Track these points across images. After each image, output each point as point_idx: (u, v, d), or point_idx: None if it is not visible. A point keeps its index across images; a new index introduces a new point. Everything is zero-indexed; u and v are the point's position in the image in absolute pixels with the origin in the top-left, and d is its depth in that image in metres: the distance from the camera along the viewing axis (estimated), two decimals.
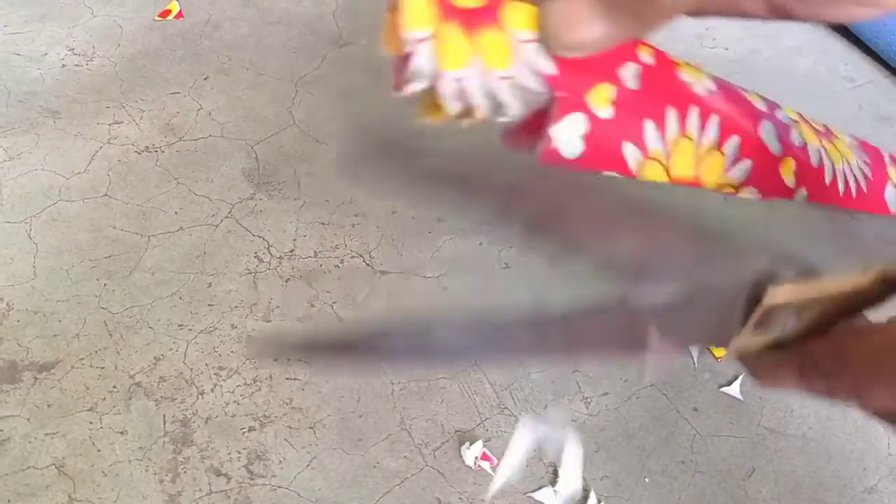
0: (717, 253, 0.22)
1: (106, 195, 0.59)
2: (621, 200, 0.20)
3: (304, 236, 0.58)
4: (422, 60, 0.19)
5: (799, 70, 0.76)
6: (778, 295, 0.22)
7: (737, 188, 0.24)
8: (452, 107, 0.19)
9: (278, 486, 0.47)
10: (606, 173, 0.21)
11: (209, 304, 0.54)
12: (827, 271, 0.23)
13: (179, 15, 0.73)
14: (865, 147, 0.30)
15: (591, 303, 0.22)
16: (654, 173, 0.22)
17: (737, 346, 0.25)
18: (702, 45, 0.75)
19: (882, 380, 0.21)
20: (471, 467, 0.48)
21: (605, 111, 0.21)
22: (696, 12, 0.19)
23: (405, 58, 0.18)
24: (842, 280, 0.23)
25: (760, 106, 0.25)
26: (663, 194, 0.21)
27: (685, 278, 0.22)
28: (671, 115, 0.22)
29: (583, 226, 0.20)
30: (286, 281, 0.56)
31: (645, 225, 0.20)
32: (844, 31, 0.78)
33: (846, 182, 0.28)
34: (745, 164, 0.24)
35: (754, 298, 0.23)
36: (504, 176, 0.19)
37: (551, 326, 0.22)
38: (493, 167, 0.19)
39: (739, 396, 0.53)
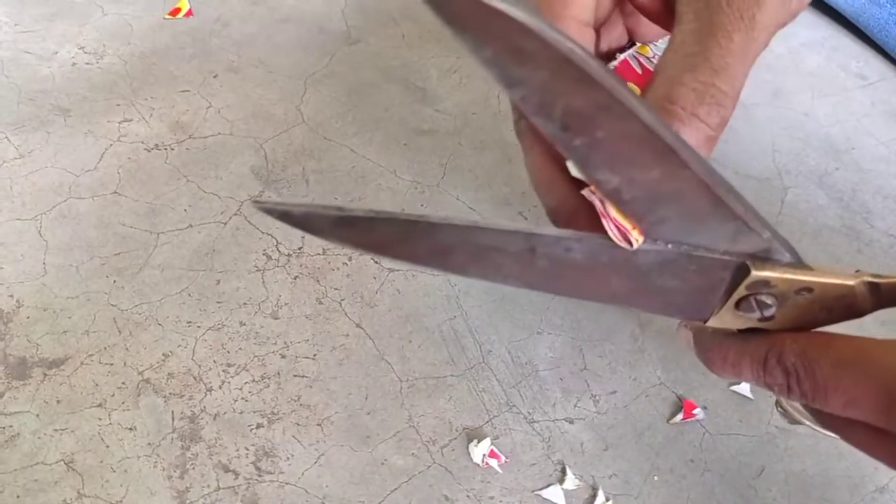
0: (725, 214, 0.22)
1: (115, 192, 0.59)
2: (652, 126, 0.19)
3: None
4: None
5: (810, 67, 0.75)
6: (768, 272, 0.22)
7: None
8: None
9: (286, 483, 0.47)
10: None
11: (218, 302, 0.54)
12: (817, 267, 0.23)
13: (189, 13, 0.73)
14: None
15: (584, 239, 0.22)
16: None
17: (711, 324, 0.25)
18: None
19: (837, 390, 0.22)
20: (478, 465, 0.48)
21: None
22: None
23: None
24: (831, 278, 0.23)
25: None
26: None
27: (685, 235, 0.22)
28: None
29: (610, 143, 0.19)
30: (294, 278, 0.56)
31: (667, 161, 0.20)
32: (857, 29, 0.78)
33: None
34: None
35: (742, 276, 0.23)
36: (559, 54, 0.17)
37: (543, 258, 0.22)
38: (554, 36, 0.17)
39: (749, 395, 0.52)
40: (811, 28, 0.79)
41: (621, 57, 0.30)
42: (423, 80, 0.69)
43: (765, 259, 0.22)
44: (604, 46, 0.30)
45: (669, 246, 0.22)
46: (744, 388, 0.52)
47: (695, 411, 0.51)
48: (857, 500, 0.49)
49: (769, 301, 0.22)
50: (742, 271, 0.22)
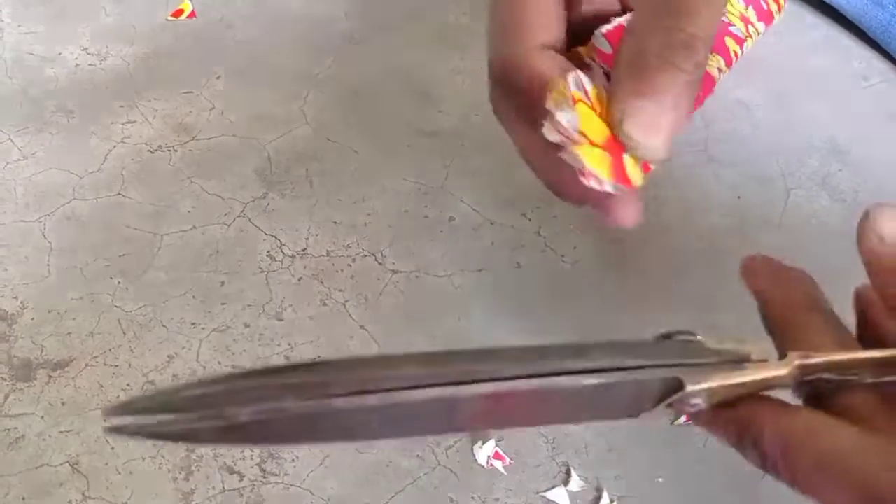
0: (640, 347, 0.23)
1: (119, 194, 0.59)
2: None
3: (317, 235, 0.58)
4: None
5: (812, 68, 0.75)
6: (703, 384, 0.22)
7: None
8: None
9: (291, 485, 0.47)
10: None
11: (222, 303, 0.54)
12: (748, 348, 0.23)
13: (192, 14, 0.73)
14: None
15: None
16: None
17: (640, 422, 0.25)
18: None
19: (818, 489, 0.21)
20: (483, 466, 0.48)
21: None
22: None
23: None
24: (763, 373, 0.23)
25: None
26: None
27: (613, 366, 0.22)
28: None
29: None
30: (298, 280, 0.56)
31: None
32: (858, 30, 0.78)
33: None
34: None
35: (676, 389, 0.23)
36: None
37: (468, 404, 0.21)
38: None
39: None
40: (813, 29, 0.79)
41: (617, 21, 0.29)
42: (427, 82, 0.69)
43: (695, 367, 0.22)
44: (590, 8, 0.29)
45: (605, 375, 0.22)
46: None
47: None
48: None
49: (700, 401, 0.22)
50: (674, 384, 0.22)
